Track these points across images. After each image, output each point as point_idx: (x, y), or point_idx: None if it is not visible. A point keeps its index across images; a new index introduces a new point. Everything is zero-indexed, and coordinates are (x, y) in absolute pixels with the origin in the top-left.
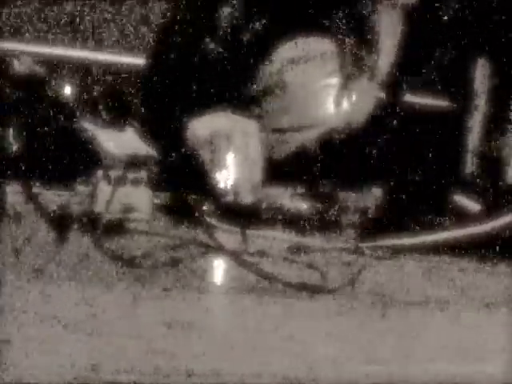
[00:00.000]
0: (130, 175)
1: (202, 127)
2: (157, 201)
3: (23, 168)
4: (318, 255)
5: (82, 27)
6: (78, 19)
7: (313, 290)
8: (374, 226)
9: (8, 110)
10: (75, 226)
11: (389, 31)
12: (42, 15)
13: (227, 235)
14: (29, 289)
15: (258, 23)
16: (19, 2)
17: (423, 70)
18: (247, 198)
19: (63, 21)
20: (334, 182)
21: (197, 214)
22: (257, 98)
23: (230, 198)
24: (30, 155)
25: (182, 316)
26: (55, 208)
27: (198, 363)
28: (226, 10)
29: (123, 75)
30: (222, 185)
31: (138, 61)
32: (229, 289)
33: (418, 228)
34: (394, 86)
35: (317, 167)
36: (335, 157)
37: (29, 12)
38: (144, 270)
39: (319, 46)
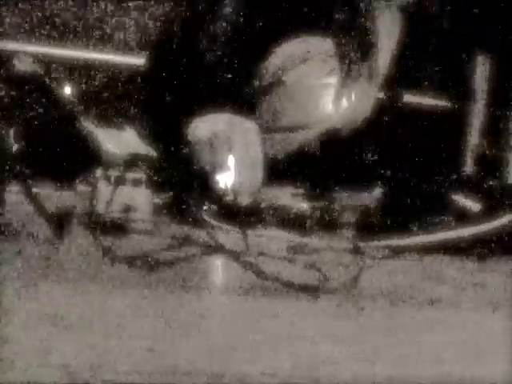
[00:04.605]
0: (130, 175)
1: (202, 128)
2: (157, 201)
3: (23, 168)
4: (318, 255)
5: (81, 27)
6: (78, 19)
7: (313, 290)
8: (373, 226)
9: (8, 110)
10: (75, 226)
11: (388, 31)
12: (43, 15)
13: (227, 235)
14: (29, 289)
15: (257, 23)
16: (20, 2)
17: (423, 70)
18: (247, 198)
19: (63, 21)
20: (334, 182)
21: (197, 214)
22: (257, 98)
23: (230, 198)
24: (30, 155)
25: (182, 316)
26: (55, 208)
27: (197, 363)
28: (225, 10)
29: (123, 75)
30: (222, 185)
31: (138, 61)
32: (229, 289)
33: (418, 228)
34: (393, 85)
35: (316, 167)
36: (335, 156)
37: (29, 12)
38: (144, 269)
39: (319, 45)
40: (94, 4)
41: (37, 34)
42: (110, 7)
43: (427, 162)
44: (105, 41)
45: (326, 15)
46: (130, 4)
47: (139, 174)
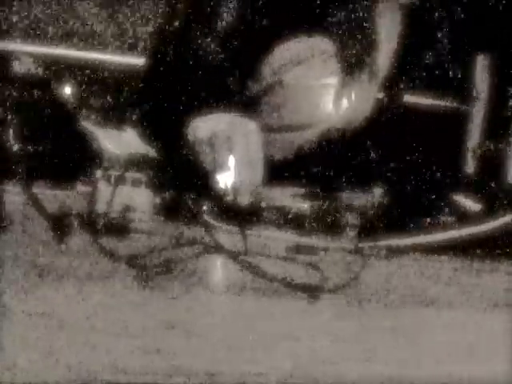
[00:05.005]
0: (130, 175)
1: (202, 128)
2: (157, 201)
3: (23, 168)
4: (318, 255)
5: (81, 27)
6: (78, 19)
7: (313, 290)
8: (373, 226)
9: (8, 110)
10: (75, 226)
11: (388, 31)
12: (43, 15)
13: (227, 235)
14: (29, 289)
15: (257, 23)
16: (19, 3)
17: (423, 70)
18: (247, 199)
19: (63, 21)
20: (334, 182)
21: (197, 214)
22: (256, 98)
23: (229, 198)
24: (30, 155)
25: (182, 316)
26: (55, 208)
27: (197, 363)
28: (225, 10)
29: (123, 75)
30: (222, 185)
31: (138, 61)
32: (229, 289)
33: (417, 228)
34: (393, 85)
35: (317, 167)
36: (335, 156)
37: (29, 12)
38: (144, 269)
39: (319, 45)
40: (95, 4)
41: (37, 34)
42: (111, 7)
43: (427, 162)
44: (105, 41)
45: (326, 15)
46: (131, 4)
47: (139, 174)
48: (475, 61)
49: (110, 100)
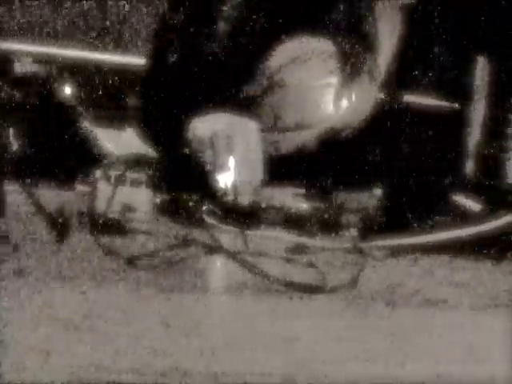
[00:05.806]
0: (130, 175)
1: (202, 127)
2: (157, 201)
3: (23, 168)
4: (318, 255)
5: (82, 27)
6: (78, 19)
7: (313, 290)
8: (374, 226)
9: (8, 110)
10: (75, 226)
11: (388, 31)
12: (43, 15)
13: (227, 235)
14: (28, 289)
15: (258, 23)
16: (20, 2)
17: (423, 70)
18: (247, 199)
19: (64, 21)
20: (334, 182)
21: (197, 214)
22: (257, 98)
23: (230, 198)
24: (30, 155)
25: (182, 316)
26: (55, 208)
27: (197, 363)
28: (225, 10)
29: (123, 75)
30: (222, 185)
31: (138, 61)
32: (229, 289)
33: (417, 228)
34: (393, 85)
35: (317, 167)
36: (335, 157)
37: (29, 12)
38: (144, 269)
39: (319, 45)
40: (95, 4)
41: (37, 34)
42: (112, 7)
43: (427, 162)
44: (105, 41)
45: (326, 15)
46: (132, 3)
47: (139, 174)
48: (475, 61)
49: (110, 100)
